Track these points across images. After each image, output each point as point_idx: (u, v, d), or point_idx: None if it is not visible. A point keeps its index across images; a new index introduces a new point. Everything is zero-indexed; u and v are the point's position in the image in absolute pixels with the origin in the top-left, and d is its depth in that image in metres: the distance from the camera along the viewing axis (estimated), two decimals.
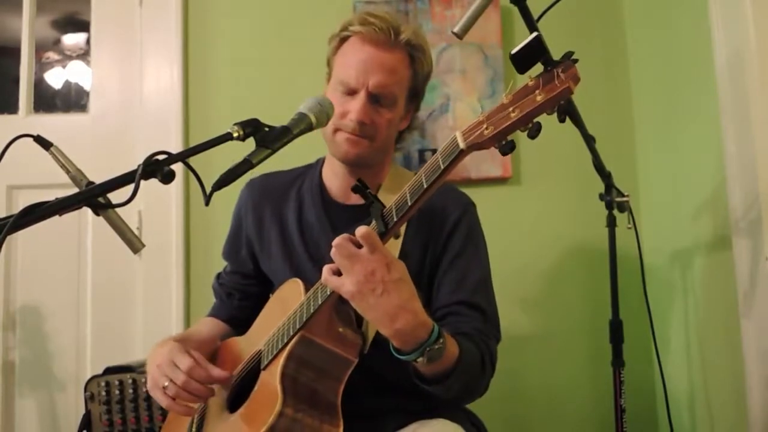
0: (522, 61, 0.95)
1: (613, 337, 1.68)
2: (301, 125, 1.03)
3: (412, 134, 1.47)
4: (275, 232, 1.40)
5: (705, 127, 1.80)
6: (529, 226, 2.19)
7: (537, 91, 0.86)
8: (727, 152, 1.68)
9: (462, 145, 0.91)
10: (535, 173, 2.22)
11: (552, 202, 2.21)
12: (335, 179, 1.40)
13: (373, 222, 1.02)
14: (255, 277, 1.48)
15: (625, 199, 1.66)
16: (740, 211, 1.64)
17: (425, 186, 0.96)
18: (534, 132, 0.88)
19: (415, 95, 1.37)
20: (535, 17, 1.33)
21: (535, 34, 0.96)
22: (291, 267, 1.36)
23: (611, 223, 1.67)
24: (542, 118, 0.89)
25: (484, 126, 0.89)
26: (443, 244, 1.32)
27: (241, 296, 1.49)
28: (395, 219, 1.00)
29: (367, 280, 0.97)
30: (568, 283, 2.19)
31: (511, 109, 0.87)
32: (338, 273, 1.01)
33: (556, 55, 1.27)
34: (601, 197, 1.67)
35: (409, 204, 0.98)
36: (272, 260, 1.41)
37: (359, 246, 0.99)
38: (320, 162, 1.46)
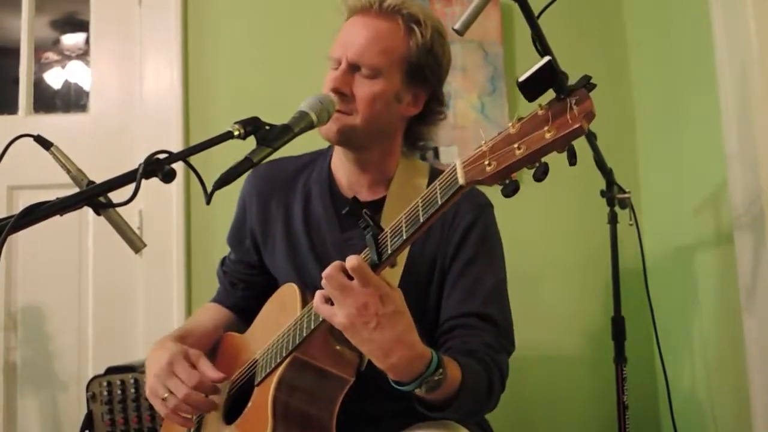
0: (531, 88, 0.83)
1: (615, 334, 1.68)
2: (302, 123, 1.03)
3: (430, 130, 1.33)
4: (280, 226, 1.34)
5: (706, 123, 1.79)
6: (530, 223, 2.19)
7: (546, 127, 0.76)
8: (729, 148, 1.67)
9: (461, 181, 0.85)
10: None
11: (553, 199, 2.20)
12: (343, 172, 1.32)
13: (366, 250, 0.96)
14: (259, 267, 1.42)
15: (626, 195, 1.66)
16: (742, 207, 1.64)
17: (421, 221, 0.90)
18: (540, 174, 0.79)
19: (419, 73, 1.24)
20: (536, 14, 1.33)
21: (547, 58, 0.84)
22: (295, 266, 1.31)
23: (612, 219, 1.67)
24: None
25: (487, 161, 0.82)
26: (455, 249, 1.24)
27: (245, 286, 1.44)
28: (389, 252, 0.94)
29: (360, 313, 0.92)
30: (569, 280, 2.18)
31: (517, 144, 0.79)
32: (331, 300, 0.96)
33: (557, 53, 1.28)
34: (603, 194, 1.67)
35: (405, 237, 0.92)
36: (276, 257, 1.36)
37: (351, 276, 0.93)
38: (330, 151, 1.37)
